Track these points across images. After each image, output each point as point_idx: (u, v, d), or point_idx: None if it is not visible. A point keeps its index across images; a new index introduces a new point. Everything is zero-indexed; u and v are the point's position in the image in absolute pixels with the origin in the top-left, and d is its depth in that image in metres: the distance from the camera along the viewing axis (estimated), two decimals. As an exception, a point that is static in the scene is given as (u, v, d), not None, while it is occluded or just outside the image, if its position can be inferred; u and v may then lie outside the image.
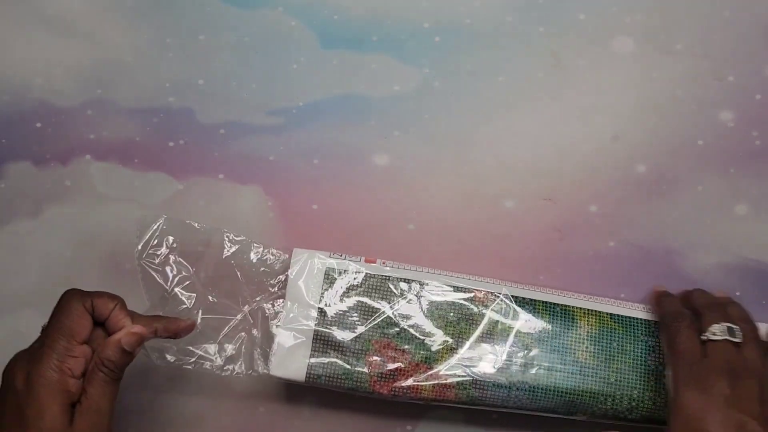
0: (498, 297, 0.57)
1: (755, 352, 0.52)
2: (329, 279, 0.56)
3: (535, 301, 0.57)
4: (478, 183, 0.62)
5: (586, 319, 0.57)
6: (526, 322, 0.56)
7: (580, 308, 0.57)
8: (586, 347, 0.56)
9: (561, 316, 0.57)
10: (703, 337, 0.52)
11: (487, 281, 0.58)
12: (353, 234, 0.61)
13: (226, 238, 0.58)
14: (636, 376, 0.56)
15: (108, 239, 0.61)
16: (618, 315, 0.57)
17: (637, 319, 0.57)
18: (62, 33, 0.64)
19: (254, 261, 0.58)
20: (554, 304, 0.57)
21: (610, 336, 0.56)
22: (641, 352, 0.56)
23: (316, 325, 0.56)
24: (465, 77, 0.63)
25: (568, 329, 0.56)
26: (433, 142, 0.62)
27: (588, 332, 0.56)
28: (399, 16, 0.64)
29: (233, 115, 0.63)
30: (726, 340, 0.52)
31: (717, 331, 0.52)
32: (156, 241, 0.56)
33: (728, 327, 0.52)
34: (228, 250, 0.58)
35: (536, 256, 0.61)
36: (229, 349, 0.56)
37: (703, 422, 0.48)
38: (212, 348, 0.56)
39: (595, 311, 0.57)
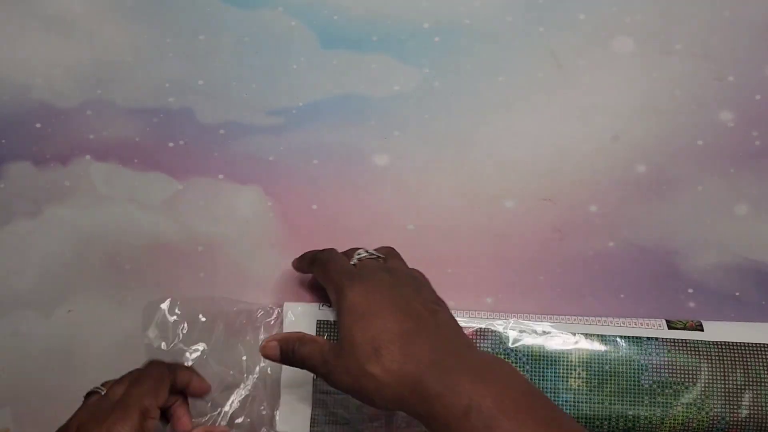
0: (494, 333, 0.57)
1: (401, 261, 0.54)
2: (322, 330, 0.57)
3: (533, 331, 0.57)
4: (478, 183, 0.62)
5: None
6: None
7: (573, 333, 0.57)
8: (578, 373, 0.56)
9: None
10: (351, 262, 0.53)
11: (481, 316, 0.58)
12: (352, 234, 0.61)
13: (233, 309, 0.58)
14: (630, 396, 0.55)
15: (108, 239, 0.61)
16: (608, 336, 0.57)
17: (627, 338, 0.57)
18: (62, 33, 0.64)
19: (258, 325, 0.58)
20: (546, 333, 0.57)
21: (602, 359, 0.56)
22: (634, 372, 0.56)
23: (313, 379, 0.57)
24: (465, 77, 0.63)
25: (560, 357, 0.56)
26: (433, 142, 0.62)
27: (579, 358, 0.56)
28: (399, 17, 0.64)
29: (233, 115, 0.63)
30: (372, 258, 0.53)
31: (362, 252, 0.54)
32: (161, 325, 0.57)
33: (371, 251, 0.54)
34: (236, 320, 0.58)
35: (536, 256, 0.61)
36: (237, 412, 0.57)
37: (374, 304, 0.47)
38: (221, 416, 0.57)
39: (586, 334, 0.57)
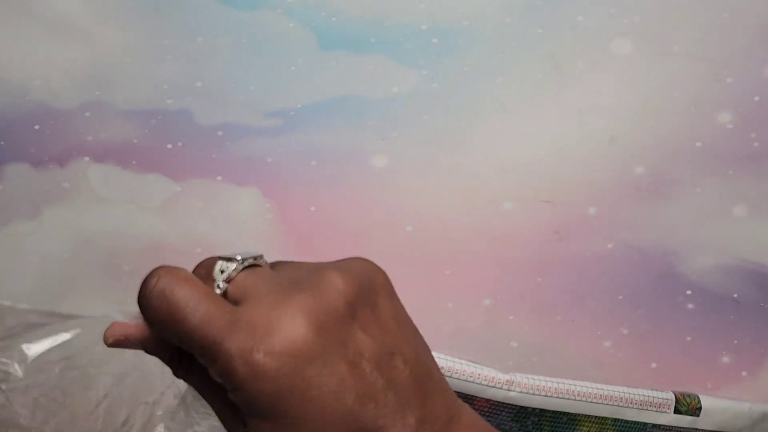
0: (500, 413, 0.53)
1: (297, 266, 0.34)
2: None
3: (543, 411, 0.54)
4: (476, 185, 0.62)
5: (588, 426, 0.55)
6: None
7: (586, 416, 0.55)
8: None
9: (565, 425, 0.55)
10: (218, 286, 0.32)
11: (488, 383, 0.52)
12: (351, 235, 0.61)
13: None
14: None
15: (106, 241, 0.61)
16: (621, 420, 0.55)
17: (637, 423, 0.55)
18: (60, 35, 0.64)
19: None
20: (561, 413, 0.54)
21: None
22: None
23: None
24: (463, 79, 0.63)
25: None
26: (431, 144, 0.62)
27: None
28: (397, 18, 0.64)
29: (231, 117, 0.63)
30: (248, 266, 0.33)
31: (227, 264, 0.32)
32: None
33: (238, 256, 0.33)
34: None
35: (534, 258, 0.61)
36: None
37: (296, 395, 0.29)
38: None
39: (599, 418, 0.55)
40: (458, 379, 0.51)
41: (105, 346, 0.35)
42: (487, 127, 0.62)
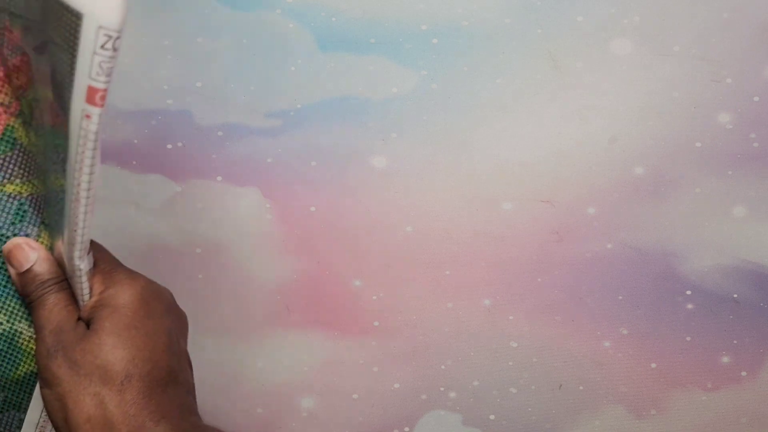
0: None
1: None
2: None
3: None
4: (476, 185, 0.62)
5: None
6: None
7: None
8: None
9: None
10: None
11: None
12: (351, 236, 0.61)
13: None
14: None
15: (106, 241, 0.61)
16: None
17: None
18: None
19: None
20: None
21: None
22: None
23: None
24: (463, 79, 0.63)
25: None
26: (431, 144, 0.62)
27: None
28: (397, 19, 0.64)
29: (231, 118, 0.63)
30: None
31: None
32: None
33: None
34: None
35: (534, 258, 0.61)
36: None
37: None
38: None
39: None
40: None
41: None
42: (487, 128, 0.62)
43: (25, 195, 0.45)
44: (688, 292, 0.61)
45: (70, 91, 0.37)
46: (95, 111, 0.37)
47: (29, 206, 0.45)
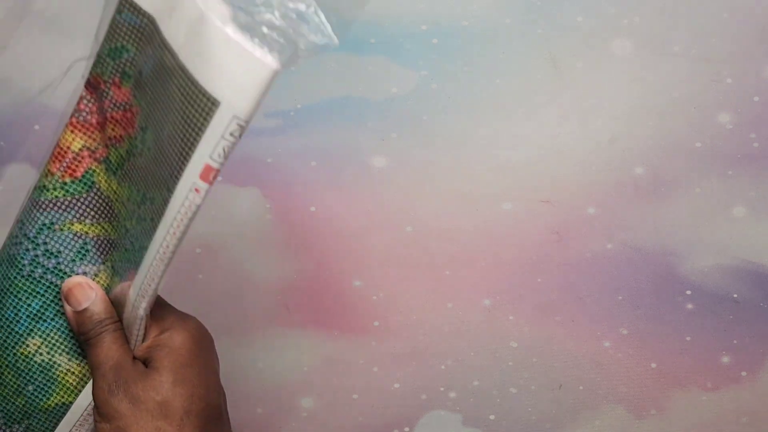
0: None
1: None
2: None
3: None
4: (476, 185, 0.62)
5: None
6: None
7: None
8: None
9: None
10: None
11: None
12: (351, 236, 0.61)
13: None
14: None
15: (106, 241, 0.61)
16: None
17: None
18: (61, 34, 0.64)
19: None
20: None
21: None
22: None
23: None
24: (463, 79, 0.63)
25: None
26: (430, 144, 0.62)
27: None
28: (397, 19, 0.63)
29: (231, 118, 0.63)
30: None
31: None
32: None
33: None
34: None
35: (534, 258, 0.61)
36: None
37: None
38: None
39: None
40: None
41: None
42: (486, 128, 0.62)
43: (90, 235, 0.46)
44: (688, 292, 0.61)
45: (183, 164, 0.40)
46: (205, 187, 0.40)
47: (92, 246, 0.46)
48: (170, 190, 0.41)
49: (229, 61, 0.38)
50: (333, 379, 0.63)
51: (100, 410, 0.44)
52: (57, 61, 0.63)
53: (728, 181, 0.61)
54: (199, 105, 0.39)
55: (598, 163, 0.62)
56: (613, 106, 0.62)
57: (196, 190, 0.40)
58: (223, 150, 0.39)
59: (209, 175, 0.40)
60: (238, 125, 0.39)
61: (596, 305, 0.61)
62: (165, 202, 0.41)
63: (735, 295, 0.60)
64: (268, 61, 0.38)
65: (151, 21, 0.42)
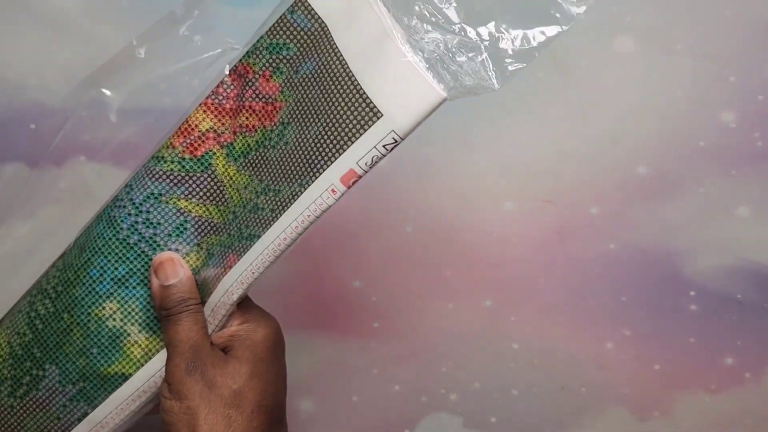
0: None
1: None
2: None
3: None
4: (478, 184, 0.61)
5: None
6: None
7: None
8: None
9: None
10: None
11: None
12: (351, 236, 0.61)
13: None
14: None
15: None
16: None
17: None
18: (57, 33, 0.64)
19: None
20: None
21: None
22: None
23: None
24: (464, 78, 0.62)
25: None
26: (431, 144, 0.62)
27: None
28: (397, 16, 0.63)
29: (230, 116, 0.62)
30: None
31: None
32: None
33: None
34: None
35: (536, 258, 0.61)
36: None
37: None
38: None
39: None
40: None
41: None
42: (488, 127, 0.62)
43: (193, 214, 0.47)
44: (692, 293, 0.60)
45: (326, 164, 0.41)
46: (342, 189, 0.42)
47: (191, 225, 0.47)
48: (303, 186, 0.42)
49: (403, 80, 0.40)
50: (332, 381, 0.63)
51: (172, 387, 0.44)
52: (51, 62, 0.63)
53: (732, 180, 0.61)
54: (360, 113, 0.41)
55: (601, 162, 0.61)
56: (615, 104, 0.62)
57: (333, 191, 0.42)
58: (372, 159, 0.41)
59: (350, 179, 0.41)
60: (393, 139, 0.40)
61: (599, 306, 0.61)
62: (294, 196, 0.42)
63: (739, 296, 0.60)
64: (438, 89, 0.40)
65: (322, 26, 0.43)
